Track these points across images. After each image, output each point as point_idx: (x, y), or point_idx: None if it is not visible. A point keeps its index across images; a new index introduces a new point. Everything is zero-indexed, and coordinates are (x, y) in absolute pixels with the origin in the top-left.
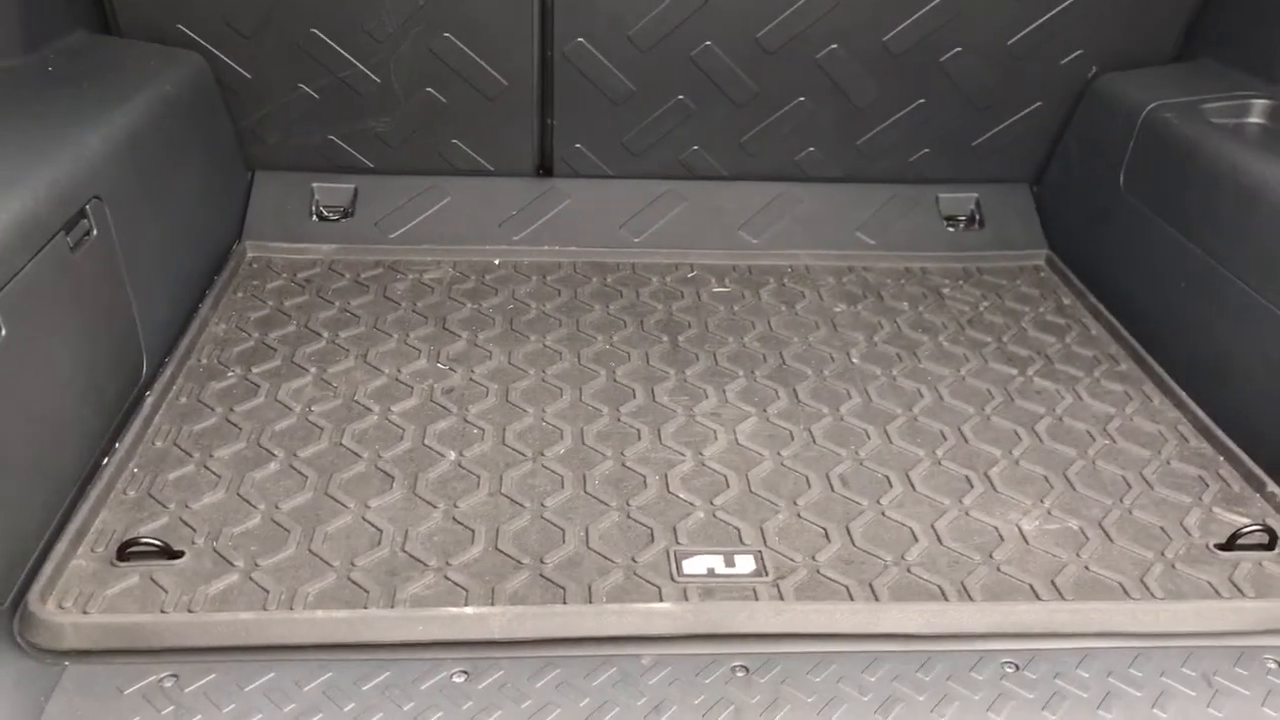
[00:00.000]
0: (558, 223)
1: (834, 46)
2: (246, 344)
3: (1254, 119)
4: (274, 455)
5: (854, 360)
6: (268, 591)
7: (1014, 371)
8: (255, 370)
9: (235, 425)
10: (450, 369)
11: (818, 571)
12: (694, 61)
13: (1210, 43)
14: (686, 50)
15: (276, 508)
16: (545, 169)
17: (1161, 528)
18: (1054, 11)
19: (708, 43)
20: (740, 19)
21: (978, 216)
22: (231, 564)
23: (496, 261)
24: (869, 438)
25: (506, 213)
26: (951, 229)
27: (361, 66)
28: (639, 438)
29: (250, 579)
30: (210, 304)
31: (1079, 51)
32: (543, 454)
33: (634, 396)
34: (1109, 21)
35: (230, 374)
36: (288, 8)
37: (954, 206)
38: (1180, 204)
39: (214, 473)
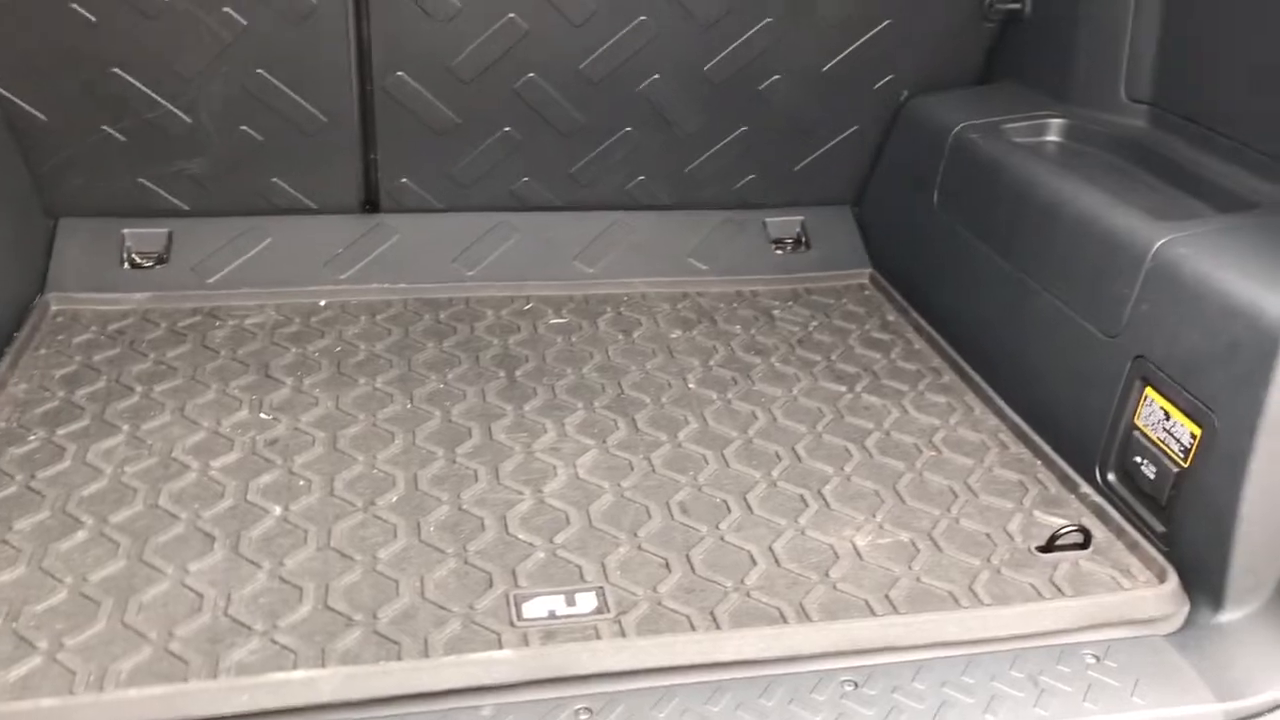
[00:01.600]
0: (386, 259)
1: (656, 77)
2: (50, 404)
3: (1051, 137)
4: (82, 523)
5: (691, 385)
6: (75, 673)
7: (843, 389)
8: (60, 432)
9: (37, 493)
10: (274, 418)
11: (659, 604)
12: (518, 93)
13: (1011, 67)
14: (510, 82)
15: (85, 579)
16: (371, 205)
17: (987, 534)
18: (864, 39)
19: (531, 75)
20: (562, 51)
21: (804, 238)
22: (34, 646)
23: (323, 303)
24: (707, 463)
25: (332, 251)
26: (780, 251)
27: (170, 106)
28: (476, 479)
29: (55, 660)
30: (8, 363)
31: (890, 76)
32: (374, 503)
33: (470, 436)
34: (917, 47)
35: (32, 437)
36: (86, 47)
37: (781, 229)
38: (989, 220)
39: (13, 546)
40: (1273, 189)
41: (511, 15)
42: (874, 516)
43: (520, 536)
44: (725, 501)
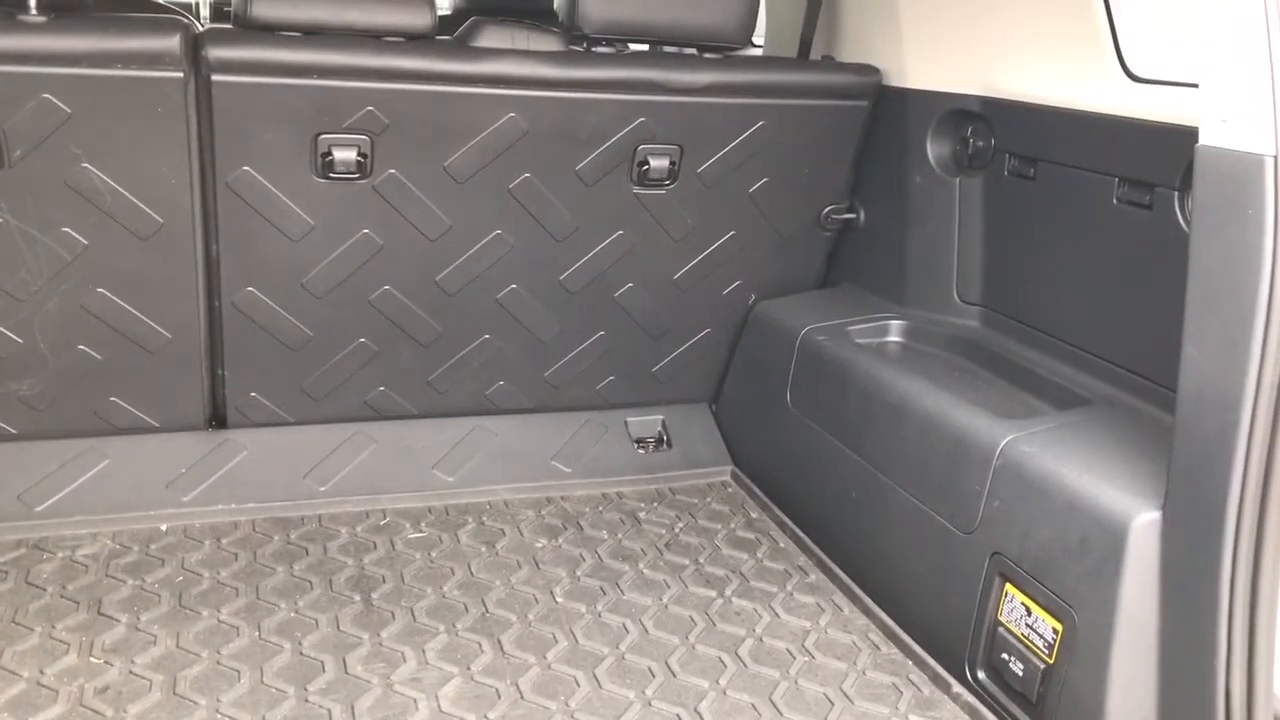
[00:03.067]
0: (234, 478)
1: (513, 287)
2: None
3: (892, 337)
4: None
5: (558, 599)
6: None
7: (713, 594)
8: None
9: None
10: (106, 662)
11: None
12: (374, 305)
13: (849, 271)
14: (365, 294)
15: None
16: (218, 421)
17: None
18: (710, 250)
19: (386, 287)
20: (417, 264)
21: (665, 437)
22: None
23: (164, 527)
24: (578, 685)
25: (175, 471)
26: (642, 450)
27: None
28: (330, 719)
29: None
30: None
31: (738, 282)
32: None
33: (323, 670)
34: (761, 256)
35: None
36: None
37: (642, 429)
38: (841, 418)
39: None
40: (1102, 386)
41: (366, 231)
42: None
43: None
44: None
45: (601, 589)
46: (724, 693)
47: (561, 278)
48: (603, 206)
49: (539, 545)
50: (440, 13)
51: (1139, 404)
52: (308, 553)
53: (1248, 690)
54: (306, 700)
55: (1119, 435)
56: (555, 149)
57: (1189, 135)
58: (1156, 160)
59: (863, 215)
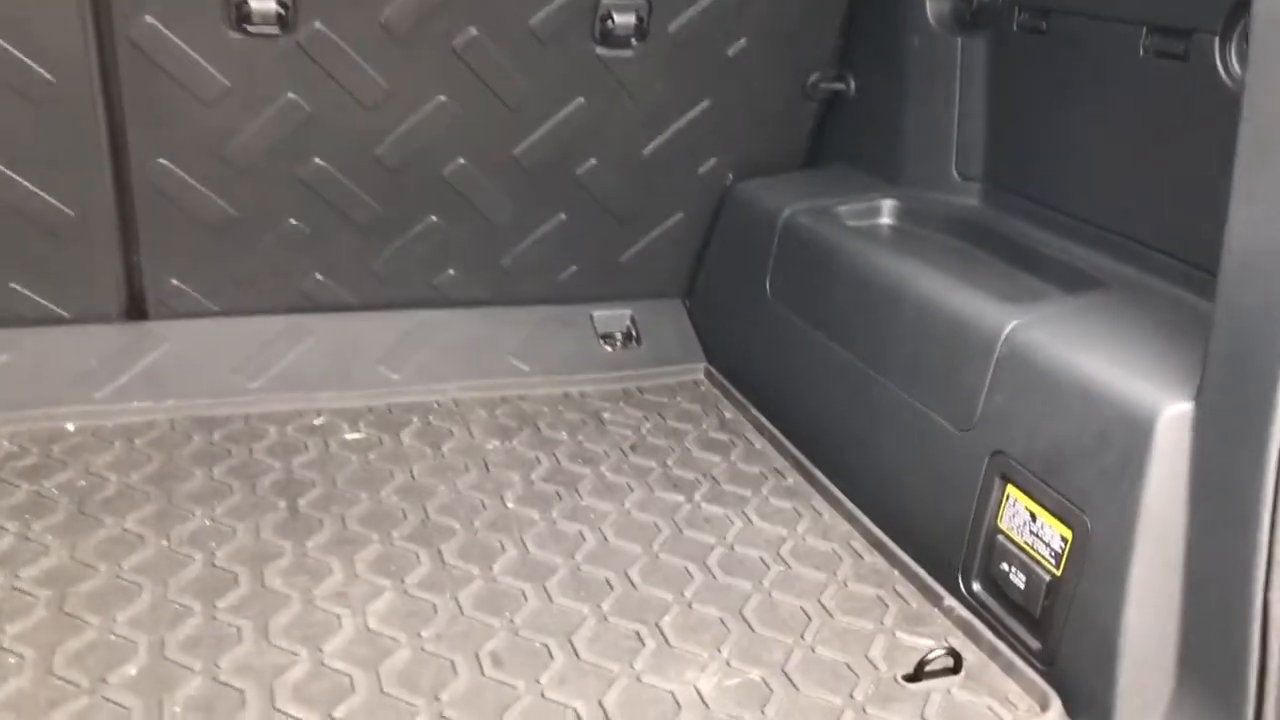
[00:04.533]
0: (152, 373)
1: (462, 161)
2: None
3: (884, 219)
4: None
5: (509, 505)
6: None
7: (681, 498)
8: None
9: None
10: None
11: None
12: (304, 182)
13: (837, 148)
14: (293, 169)
15: None
16: (137, 312)
17: (847, 664)
18: (684, 121)
19: (317, 160)
20: (352, 135)
21: (633, 333)
22: None
23: (70, 427)
24: (526, 599)
25: (85, 366)
26: (608, 347)
27: None
28: (239, 639)
29: None
30: None
31: (713, 159)
32: (104, 681)
33: (236, 584)
34: (740, 130)
35: None
36: None
37: (609, 324)
38: (826, 308)
39: None
40: (1115, 265)
41: (291, 96)
42: (720, 651)
43: (289, 712)
44: (547, 647)
45: (558, 494)
46: (689, 606)
47: (516, 151)
48: (561, 69)
49: (490, 447)
50: None
51: (1161, 285)
52: (230, 454)
53: None
54: (214, 618)
55: (1139, 319)
56: (505, 0)
57: None
58: (1190, 1)
59: (853, 85)
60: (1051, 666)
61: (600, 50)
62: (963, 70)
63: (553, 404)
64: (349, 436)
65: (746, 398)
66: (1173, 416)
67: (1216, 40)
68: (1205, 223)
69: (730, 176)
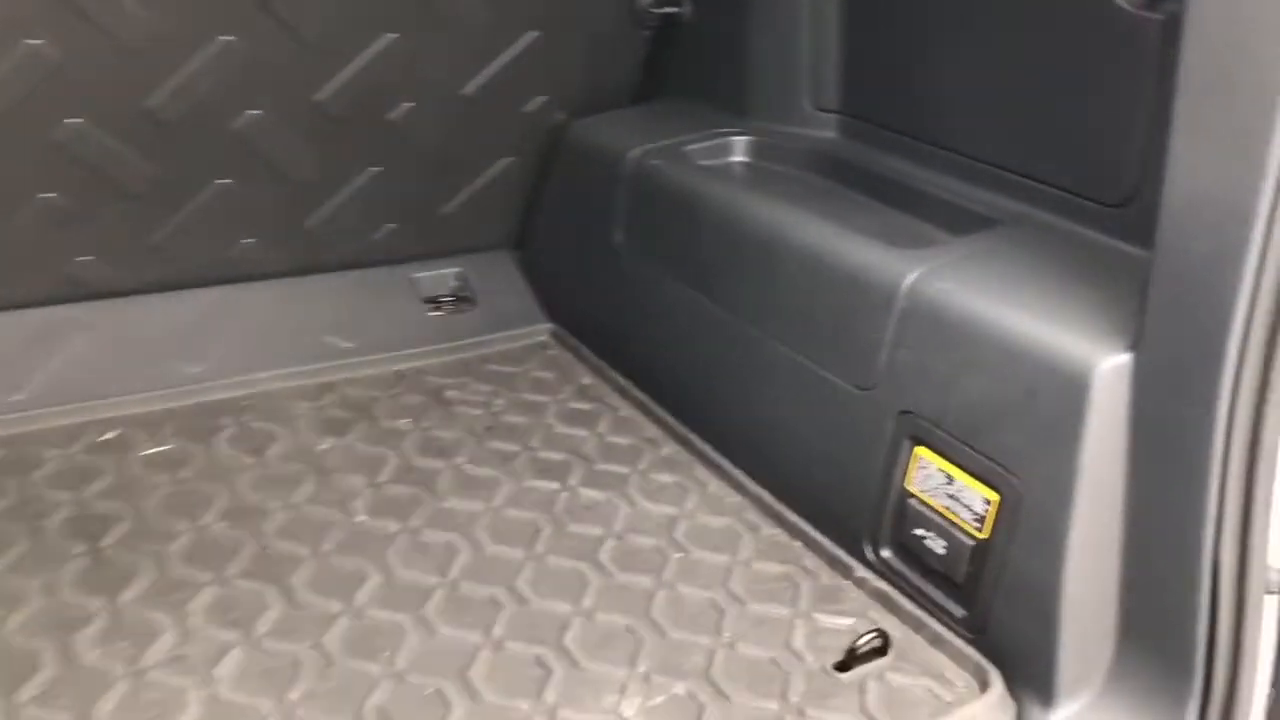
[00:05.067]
0: None
1: (254, 112)
2: None
3: (738, 157)
4: None
5: (359, 518)
6: None
7: (555, 485)
8: None
9: None
10: None
11: None
12: (59, 145)
13: (675, 80)
14: (42, 130)
15: None
16: None
17: (772, 660)
18: (509, 55)
19: (73, 120)
20: (114, 87)
21: (465, 293)
22: None
23: None
24: (404, 633)
25: None
26: (437, 313)
27: None
28: None
29: None
30: None
31: (543, 97)
32: None
33: (38, 666)
34: (569, 62)
35: None
36: None
37: (435, 285)
38: (689, 259)
39: None
40: (1003, 200)
41: (30, 42)
42: (636, 667)
43: None
44: (440, 691)
45: (414, 497)
46: (591, 616)
47: (318, 97)
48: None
49: (323, 448)
50: None
51: (1048, 218)
52: (2, 490)
53: (1240, 560)
54: (17, 717)
55: (1045, 261)
56: None
57: None
58: None
59: (688, 8)
60: (981, 634)
61: None
62: None
63: (386, 386)
64: (150, 451)
65: (604, 359)
66: (1110, 369)
67: None
68: (1090, 151)
69: (562, 115)
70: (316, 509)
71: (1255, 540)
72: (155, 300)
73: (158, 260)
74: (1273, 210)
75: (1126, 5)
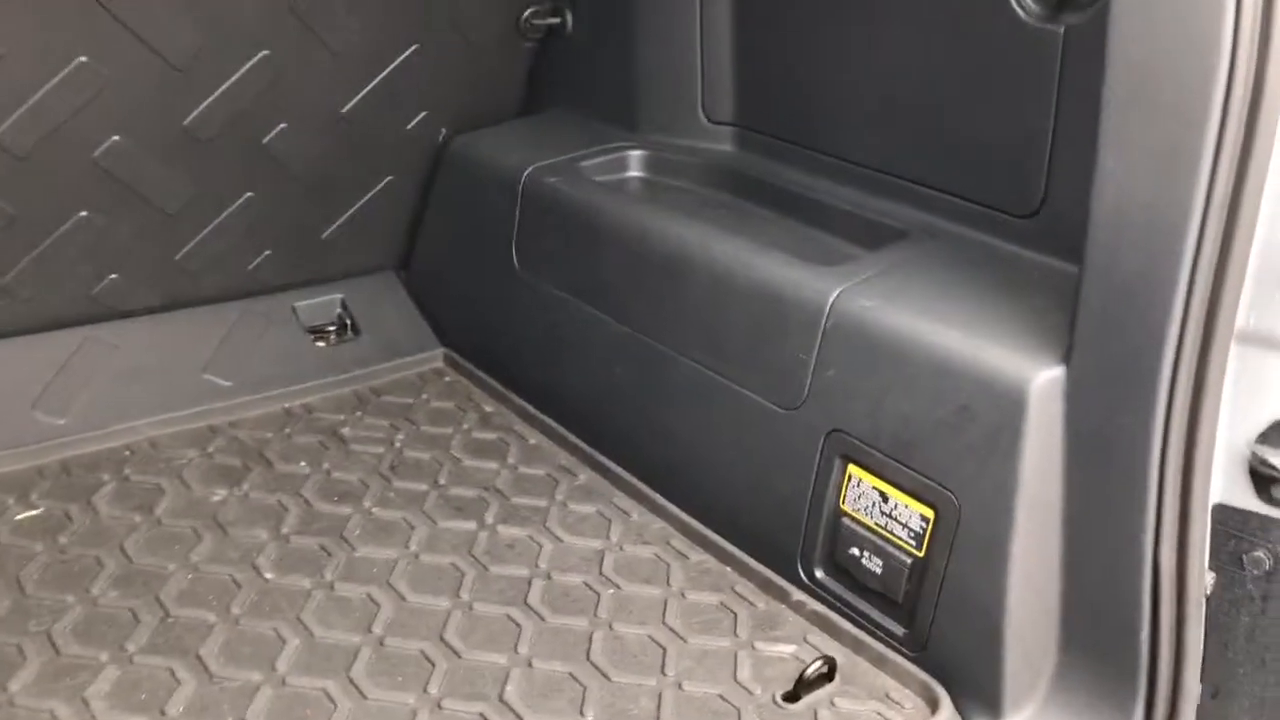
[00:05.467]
0: None
1: (116, 139)
2: None
3: (634, 172)
4: None
5: (267, 576)
6: None
7: (472, 525)
8: None
9: None
10: None
11: None
12: None
13: (557, 93)
14: None
15: None
16: None
17: (721, 696)
18: (388, 70)
19: None
20: None
21: (348, 321)
22: None
23: None
24: (333, 703)
25: None
26: (321, 343)
27: None
28: None
29: None
30: None
31: (424, 113)
32: None
33: None
34: (451, 78)
35: None
36: None
37: (316, 314)
38: (593, 279)
39: None
40: (908, 211)
41: None
42: (584, 716)
43: None
44: None
45: (323, 549)
46: (529, 665)
47: (186, 122)
48: (237, 15)
49: (218, 499)
50: None
51: (955, 228)
52: None
53: (1179, 567)
54: None
55: (964, 273)
56: None
57: None
58: None
59: (570, 19)
60: (923, 651)
61: None
62: (703, 2)
63: (276, 427)
64: (23, 517)
65: (503, 384)
66: (1045, 382)
67: None
68: (996, 161)
69: (444, 131)
70: (219, 568)
71: (1194, 547)
72: (11, 346)
73: (11, 301)
74: (1202, 223)
75: (1027, 17)
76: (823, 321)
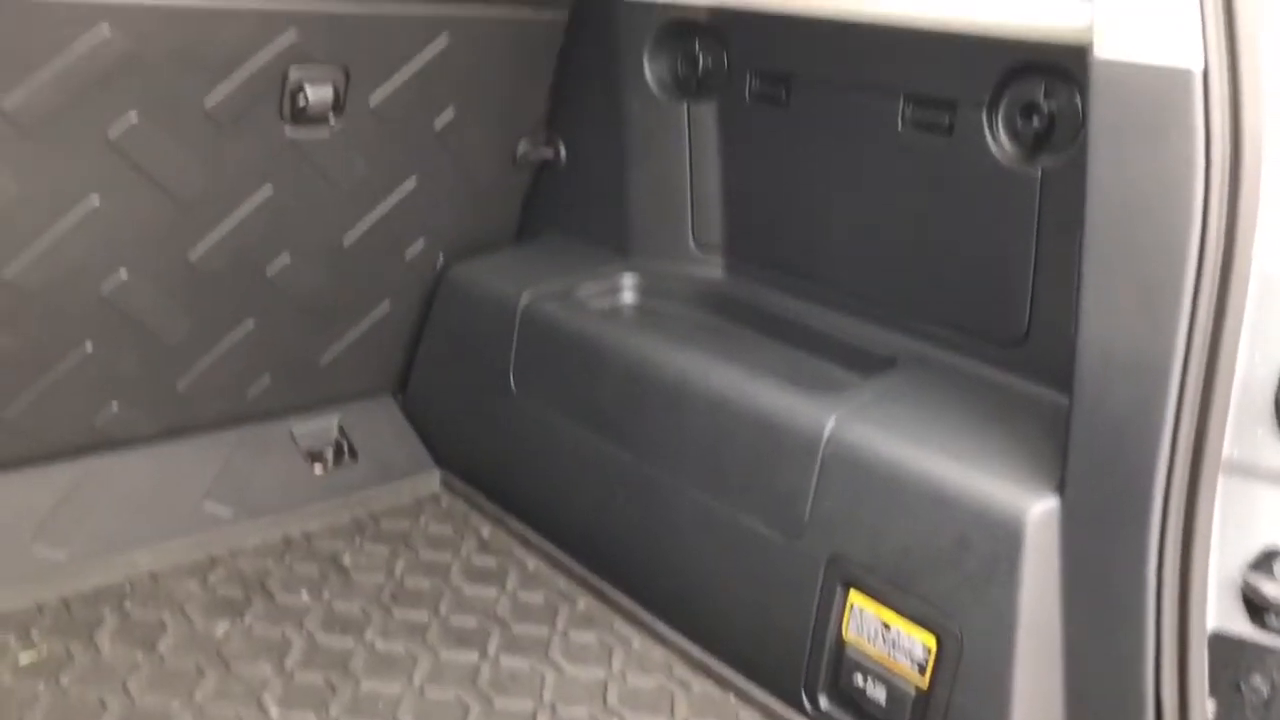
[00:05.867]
0: None
1: (122, 274)
2: None
3: (626, 297)
4: None
5: (273, 712)
6: None
7: (474, 655)
8: None
9: None
10: None
11: None
12: None
13: (549, 220)
14: None
15: None
16: None
17: None
18: (389, 203)
19: None
20: None
21: (346, 445)
22: None
23: None
24: None
25: None
26: (319, 468)
27: None
28: None
29: None
30: None
31: (421, 241)
32: None
33: None
34: (449, 208)
35: None
36: None
37: (314, 438)
38: (591, 405)
39: None
40: (897, 338)
41: None
42: None
43: None
44: None
45: (329, 683)
46: None
47: (192, 256)
48: (245, 155)
49: (220, 634)
50: None
51: (951, 357)
52: None
53: (1180, 691)
54: None
55: (956, 401)
56: (174, 78)
57: (992, 39)
58: (955, 71)
59: (564, 151)
60: None
61: (292, 131)
62: (692, 135)
63: (277, 556)
64: (25, 659)
65: (501, 507)
66: (1040, 515)
67: (984, 112)
68: (981, 292)
69: (441, 257)
70: (224, 706)
71: (1194, 675)
72: (10, 479)
73: (14, 435)
74: (1185, 360)
75: (1005, 161)
76: (820, 450)
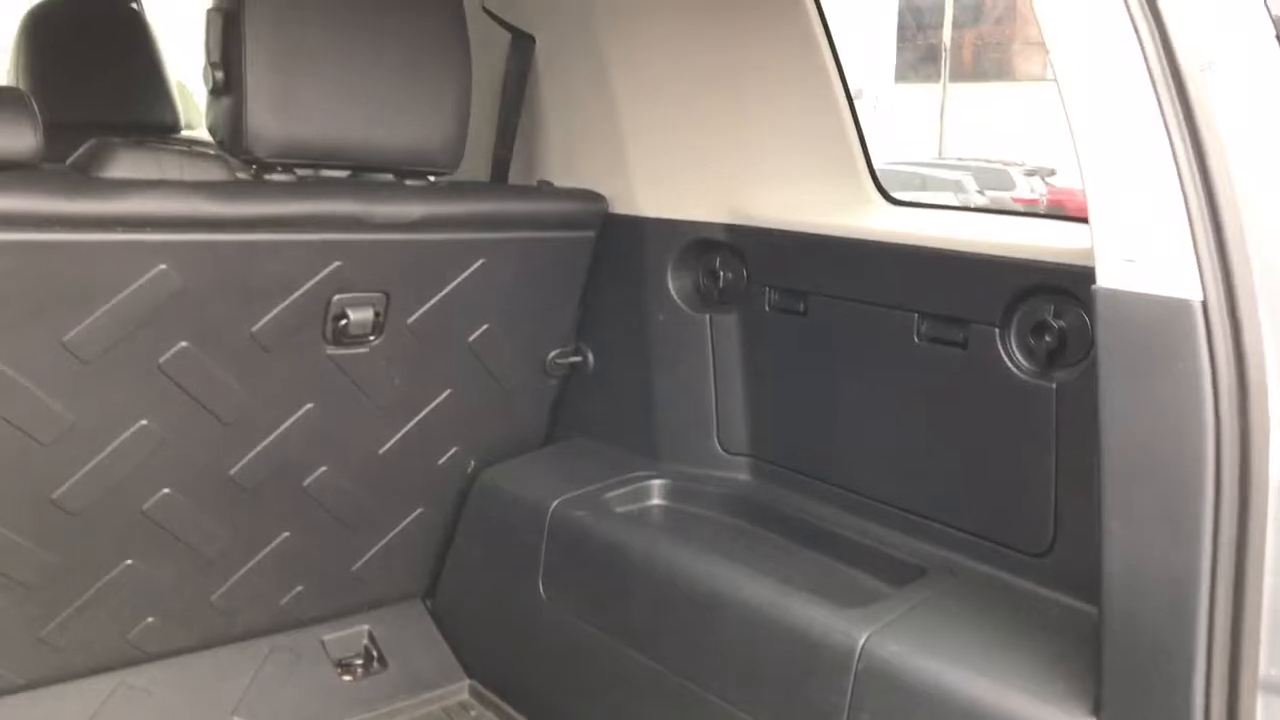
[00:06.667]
0: None
1: (165, 492)
2: None
3: (655, 501)
4: None
5: None
6: None
7: None
8: None
9: None
10: None
11: None
12: None
13: (577, 423)
14: None
15: None
16: None
17: None
18: (424, 414)
19: None
20: (21, 478)
21: (375, 653)
22: None
23: None
24: None
25: None
26: (348, 677)
27: None
28: None
29: None
30: None
31: (455, 448)
32: None
33: None
34: (482, 416)
35: None
36: None
37: (344, 647)
38: (621, 613)
39: None
40: (925, 546)
41: None
42: None
43: None
44: None
45: None
46: None
47: (231, 472)
48: (287, 375)
49: None
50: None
51: (978, 566)
52: None
53: None
54: None
55: (987, 614)
56: (223, 308)
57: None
58: (966, 292)
59: (591, 358)
60: None
61: (332, 350)
62: (715, 344)
63: None
64: None
65: (528, 718)
66: None
67: (996, 331)
68: (1005, 502)
69: (472, 463)
70: None
71: None
72: (40, 696)
73: (47, 652)
74: (1213, 582)
75: (1020, 374)
76: (854, 666)
